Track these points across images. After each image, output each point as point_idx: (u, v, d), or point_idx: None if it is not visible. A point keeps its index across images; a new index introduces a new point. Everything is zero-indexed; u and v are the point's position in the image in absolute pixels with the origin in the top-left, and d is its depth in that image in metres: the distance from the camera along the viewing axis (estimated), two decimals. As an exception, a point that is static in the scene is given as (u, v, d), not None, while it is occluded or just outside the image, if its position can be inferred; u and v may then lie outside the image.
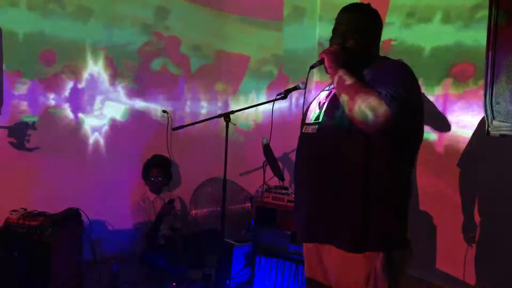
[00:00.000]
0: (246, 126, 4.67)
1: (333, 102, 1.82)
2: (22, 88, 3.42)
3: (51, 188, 3.50)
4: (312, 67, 1.97)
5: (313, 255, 1.92)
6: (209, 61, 4.53)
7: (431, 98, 3.57)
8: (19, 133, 3.38)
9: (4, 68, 3.28)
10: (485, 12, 1.80)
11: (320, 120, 1.85)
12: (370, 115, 1.62)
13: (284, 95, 2.68)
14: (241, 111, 3.00)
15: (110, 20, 3.83)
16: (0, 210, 3.03)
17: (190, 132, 3.81)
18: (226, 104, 4.65)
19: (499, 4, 1.76)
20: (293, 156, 2.32)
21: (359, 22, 1.93)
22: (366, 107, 1.63)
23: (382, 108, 1.60)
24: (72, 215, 3.12)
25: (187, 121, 3.99)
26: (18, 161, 3.39)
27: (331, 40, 1.95)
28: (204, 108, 4.51)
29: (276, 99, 2.70)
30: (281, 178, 3.58)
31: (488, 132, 1.80)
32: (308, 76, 2.00)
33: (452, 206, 3.40)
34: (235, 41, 4.59)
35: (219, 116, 2.92)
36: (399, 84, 1.67)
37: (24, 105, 3.44)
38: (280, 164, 3.64)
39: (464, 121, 3.34)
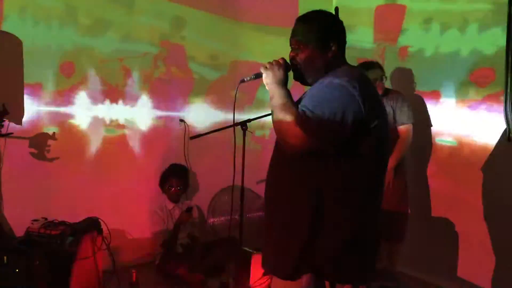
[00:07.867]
0: (262, 134, 4.68)
1: None
2: (42, 100, 3.48)
3: (71, 197, 3.54)
4: (243, 81, 1.98)
5: None
6: (226, 69, 4.55)
7: (450, 103, 3.53)
8: (40, 143, 3.43)
9: (24, 80, 3.36)
10: (504, 17, 1.78)
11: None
12: (284, 136, 1.66)
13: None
14: (258, 119, 3.01)
15: (127, 31, 3.87)
16: (21, 220, 3.08)
17: (207, 141, 3.83)
18: (242, 112, 4.66)
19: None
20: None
21: (300, 32, 1.83)
22: (281, 128, 1.67)
23: (294, 131, 1.61)
24: (91, 224, 3.15)
25: (204, 130, 4.00)
26: (39, 171, 3.44)
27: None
28: (221, 117, 4.52)
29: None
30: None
31: (509, 138, 1.78)
32: (237, 89, 2.03)
33: (474, 213, 3.34)
34: (251, 50, 4.59)
35: (236, 124, 2.92)
36: (316, 106, 1.61)
37: (44, 116, 3.49)
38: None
39: (485, 126, 3.29)
